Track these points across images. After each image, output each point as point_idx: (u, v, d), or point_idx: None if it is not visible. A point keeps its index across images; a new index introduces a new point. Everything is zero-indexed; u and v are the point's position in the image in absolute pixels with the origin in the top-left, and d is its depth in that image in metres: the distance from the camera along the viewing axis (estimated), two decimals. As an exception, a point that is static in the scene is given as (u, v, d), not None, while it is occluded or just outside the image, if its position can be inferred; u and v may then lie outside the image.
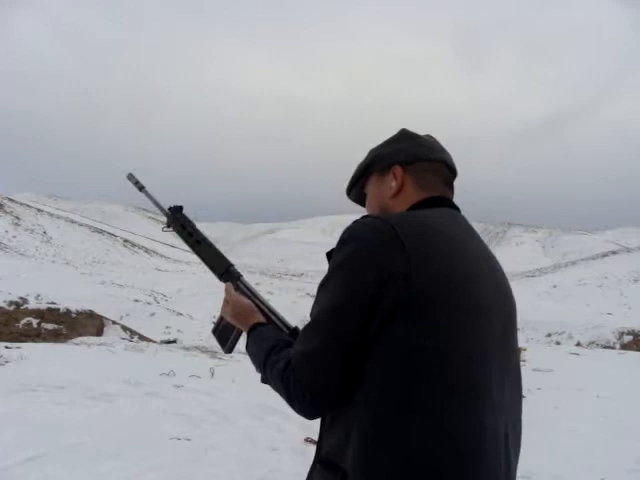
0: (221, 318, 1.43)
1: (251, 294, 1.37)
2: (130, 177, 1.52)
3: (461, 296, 1.01)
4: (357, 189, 1.30)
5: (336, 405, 1.04)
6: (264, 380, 1.20)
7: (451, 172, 1.23)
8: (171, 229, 1.47)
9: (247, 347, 1.26)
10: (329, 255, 1.10)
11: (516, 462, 1.11)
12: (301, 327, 1.16)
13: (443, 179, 1.21)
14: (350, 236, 1.05)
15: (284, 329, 1.31)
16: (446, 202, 1.18)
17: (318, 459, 1.10)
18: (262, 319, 1.31)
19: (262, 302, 1.36)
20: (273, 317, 1.33)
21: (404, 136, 1.24)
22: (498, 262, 1.19)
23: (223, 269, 1.43)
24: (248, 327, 1.29)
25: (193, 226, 1.45)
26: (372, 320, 0.98)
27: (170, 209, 1.47)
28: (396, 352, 0.97)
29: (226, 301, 1.37)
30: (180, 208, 1.47)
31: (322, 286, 1.07)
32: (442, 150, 1.23)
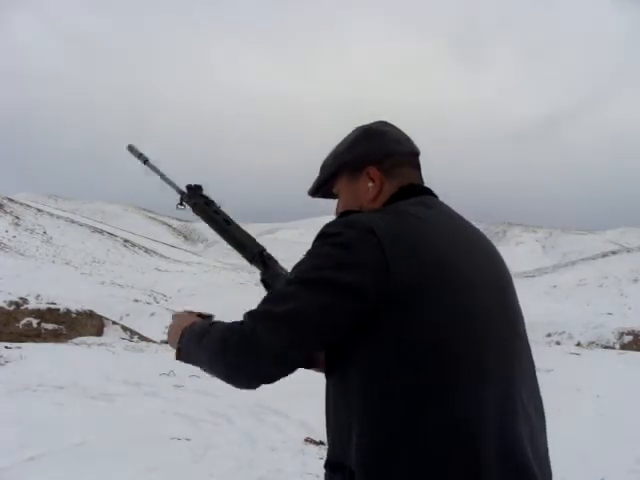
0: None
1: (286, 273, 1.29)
2: (131, 149, 1.41)
3: (448, 279, 1.00)
4: (324, 190, 1.28)
5: (273, 379, 1.02)
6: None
7: (416, 156, 1.22)
8: (184, 207, 1.37)
9: (188, 355, 1.15)
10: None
11: (542, 436, 1.13)
12: None
13: (413, 165, 1.20)
14: (327, 232, 1.04)
15: None
16: (419, 189, 1.18)
17: (324, 463, 1.09)
18: (191, 320, 1.20)
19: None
20: None
21: (368, 135, 1.21)
22: (485, 237, 1.16)
23: (256, 251, 1.34)
24: (179, 336, 1.18)
25: (218, 206, 1.36)
26: (353, 315, 0.97)
27: (189, 187, 1.37)
28: (389, 345, 0.96)
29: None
30: (200, 187, 1.37)
31: (295, 268, 1.04)
32: (407, 139, 1.22)
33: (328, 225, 1.06)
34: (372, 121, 1.25)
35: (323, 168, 1.26)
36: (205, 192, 1.37)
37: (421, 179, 1.21)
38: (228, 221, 1.35)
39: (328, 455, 1.08)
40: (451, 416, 0.95)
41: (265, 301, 1.04)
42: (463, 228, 1.12)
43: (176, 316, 1.27)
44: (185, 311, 1.28)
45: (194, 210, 1.36)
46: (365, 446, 0.96)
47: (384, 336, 0.97)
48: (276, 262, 1.34)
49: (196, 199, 1.36)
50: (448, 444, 0.94)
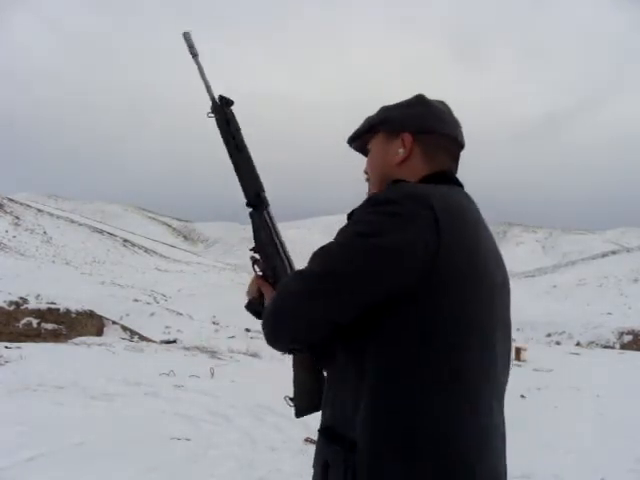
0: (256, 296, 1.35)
1: (272, 230, 1.30)
2: (186, 36, 1.33)
3: (480, 274, 1.02)
4: (360, 142, 1.26)
5: (307, 335, 1.07)
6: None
7: (460, 147, 1.20)
8: (213, 116, 1.33)
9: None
10: (350, 216, 1.06)
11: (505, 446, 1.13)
12: None
13: (451, 154, 1.18)
14: (382, 199, 1.01)
15: (289, 271, 1.27)
16: (453, 179, 1.16)
17: (319, 430, 1.08)
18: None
19: (279, 239, 1.30)
20: (286, 263, 1.28)
21: (419, 102, 1.18)
22: (494, 239, 1.17)
23: (253, 192, 1.32)
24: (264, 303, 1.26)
25: (238, 129, 1.33)
26: (388, 286, 0.97)
27: (221, 98, 1.33)
28: (415, 323, 0.97)
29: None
30: (231, 102, 1.33)
31: (342, 230, 1.03)
32: (455, 123, 1.19)
33: (391, 192, 1.03)
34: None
35: (368, 118, 1.24)
36: (234, 109, 1.34)
37: (455, 169, 1.19)
38: (239, 148, 1.32)
39: (325, 423, 1.08)
40: (461, 401, 0.97)
41: (310, 261, 1.05)
42: (486, 228, 1.13)
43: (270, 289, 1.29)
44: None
45: (216, 123, 1.34)
46: (372, 421, 0.96)
47: (407, 315, 0.97)
48: (268, 206, 1.32)
49: (220, 114, 1.33)
50: (456, 427, 0.96)
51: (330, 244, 1.03)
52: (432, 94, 1.24)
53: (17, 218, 45.97)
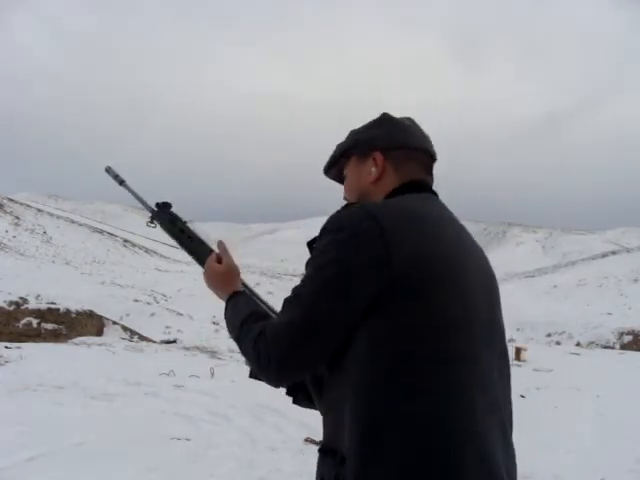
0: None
1: (249, 291, 1.35)
2: (109, 170, 1.46)
3: (444, 276, 1.02)
4: (336, 169, 1.30)
5: (299, 378, 1.09)
6: (252, 374, 1.20)
7: (431, 158, 1.23)
8: (155, 225, 1.43)
9: (225, 313, 1.25)
10: (310, 245, 1.12)
11: (511, 441, 1.11)
12: None
13: (423, 166, 1.21)
14: (332, 225, 1.06)
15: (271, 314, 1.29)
16: (423, 186, 1.19)
17: (318, 448, 1.11)
18: (241, 288, 1.31)
19: (260, 299, 1.34)
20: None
21: (385, 121, 1.23)
22: (475, 242, 1.19)
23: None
24: (227, 295, 1.28)
25: (184, 222, 1.42)
26: (357, 303, 1.00)
27: (157, 205, 1.43)
28: (385, 334, 0.98)
29: (207, 269, 1.36)
30: (169, 205, 1.43)
31: (308, 265, 1.08)
32: (423, 137, 1.23)
33: (335, 218, 1.08)
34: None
35: (337, 145, 1.28)
36: (173, 209, 1.43)
37: (431, 180, 1.22)
38: (191, 237, 1.41)
39: (322, 440, 1.10)
40: (439, 407, 0.97)
41: (281, 312, 1.08)
42: (457, 231, 1.14)
43: (210, 264, 1.33)
44: (229, 265, 1.33)
45: (161, 227, 1.42)
46: (356, 432, 0.97)
47: (377, 326, 0.99)
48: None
49: (163, 217, 1.41)
50: (436, 435, 0.95)
51: (298, 289, 1.06)
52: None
53: (17, 218, 45.97)
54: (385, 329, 0.99)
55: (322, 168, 1.33)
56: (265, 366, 1.04)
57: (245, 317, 1.16)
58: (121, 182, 1.45)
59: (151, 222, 1.43)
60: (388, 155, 1.19)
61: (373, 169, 1.19)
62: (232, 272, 1.32)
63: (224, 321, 1.25)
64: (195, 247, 1.41)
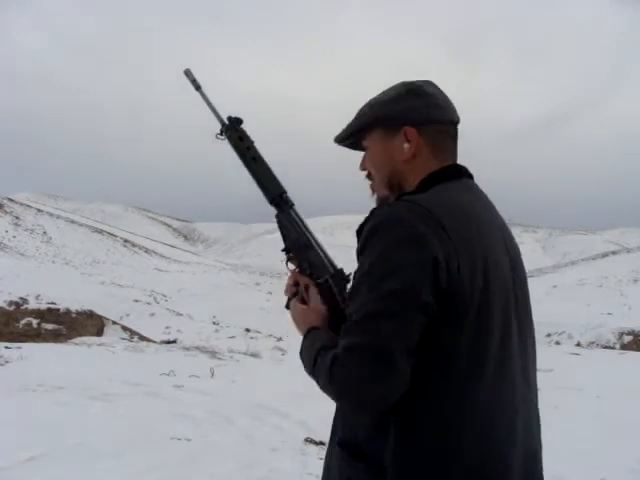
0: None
1: (301, 225, 1.31)
2: (187, 73, 1.40)
3: (492, 279, 0.99)
4: (354, 139, 1.21)
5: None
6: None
7: (456, 124, 1.16)
8: (224, 138, 1.38)
9: (301, 350, 1.15)
10: (359, 233, 1.03)
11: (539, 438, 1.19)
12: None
13: (454, 140, 1.15)
14: (388, 218, 0.97)
15: (329, 267, 1.26)
16: (462, 171, 1.13)
17: (339, 441, 1.06)
18: (320, 324, 1.19)
19: (311, 235, 1.30)
20: (320, 253, 1.28)
21: (412, 93, 1.13)
22: (509, 230, 1.15)
23: (277, 194, 1.33)
24: (306, 329, 1.18)
25: (252, 142, 1.37)
26: (427, 306, 0.93)
27: (230, 119, 1.38)
28: (436, 338, 0.94)
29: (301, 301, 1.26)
30: (240, 120, 1.38)
31: (364, 276, 0.98)
32: (450, 106, 1.14)
33: (388, 211, 0.99)
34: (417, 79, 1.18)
35: (359, 115, 1.19)
36: (243, 126, 1.39)
37: (456, 152, 1.16)
38: (255, 159, 1.36)
39: (344, 436, 1.05)
40: (489, 419, 0.97)
41: (344, 334, 0.98)
42: (496, 223, 1.11)
43: (312, 307, 1.23)
44: (313, 307, 1.23)
45: (229, 142, 1.38)
46: (404, 445, 0.94)
47: (431, 330, 0.94)
48: (292, 205, 1.34)
49: (232, 132, 1.37)
50: (484, 450, 0.96)
51: (359, 309, 0.96)
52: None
53: (17, 218, 45.95)
54: (438, 333, 0.95)
55: (334, 137, 1.24)
56: (344, 397, 0.97)
57: (319, 348, 1.06)
58: (197, 87, 1.39)
59: (220, 134, 1.39)
60: (421, 131, 1.10)
61: (406, 145, 1.10)
62: (313, 313, 1.22)
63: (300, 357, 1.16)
64: (257, 169, 1.36)
